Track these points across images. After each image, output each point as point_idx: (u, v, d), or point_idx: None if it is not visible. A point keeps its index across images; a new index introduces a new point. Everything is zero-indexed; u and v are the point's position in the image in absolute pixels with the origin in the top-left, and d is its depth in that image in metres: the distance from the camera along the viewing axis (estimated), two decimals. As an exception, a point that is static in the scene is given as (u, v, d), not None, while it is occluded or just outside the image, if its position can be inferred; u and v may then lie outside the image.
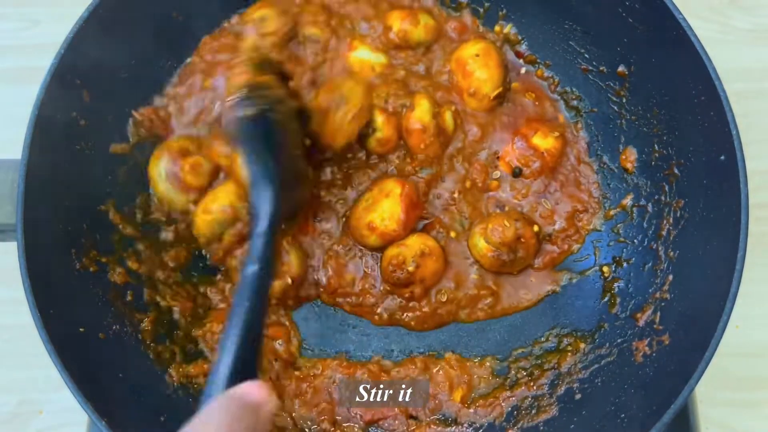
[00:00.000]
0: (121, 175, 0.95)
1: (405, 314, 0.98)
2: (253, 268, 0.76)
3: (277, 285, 0.94)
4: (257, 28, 0.96)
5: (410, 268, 0.93)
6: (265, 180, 0.83)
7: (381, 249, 0.97)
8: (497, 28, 1.04)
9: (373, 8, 1.02)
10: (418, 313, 0.97)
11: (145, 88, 0.97)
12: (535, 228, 0.97)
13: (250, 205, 0.85)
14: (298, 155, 0.90)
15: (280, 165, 0.85)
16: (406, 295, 0.96)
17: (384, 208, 0.95)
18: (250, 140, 0.84)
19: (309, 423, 0.94)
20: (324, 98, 0.93)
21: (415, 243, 0.95)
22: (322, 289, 0.98)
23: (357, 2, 1.02)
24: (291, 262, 0.95)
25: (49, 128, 0.83)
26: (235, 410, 0.61)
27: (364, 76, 0.98)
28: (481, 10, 1.04)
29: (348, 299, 0.98)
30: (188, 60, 1.00)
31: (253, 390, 0.64)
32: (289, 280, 0.94)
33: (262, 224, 0.80)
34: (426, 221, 0.99)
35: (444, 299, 0.97)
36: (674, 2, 0.84)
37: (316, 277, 0.98)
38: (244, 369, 0.69)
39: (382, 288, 0.97)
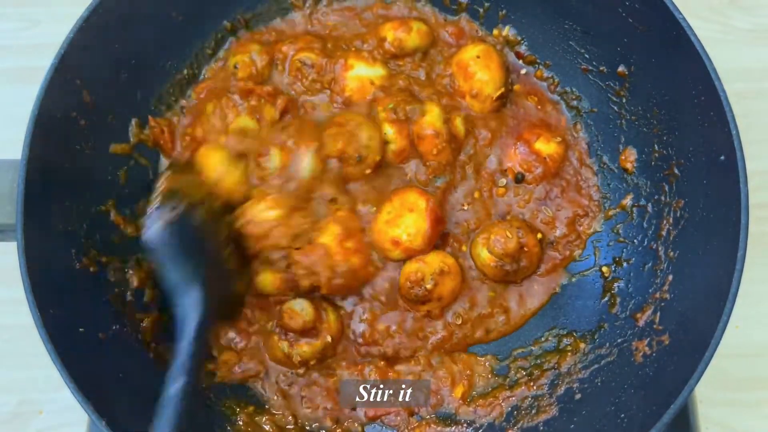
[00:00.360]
0: (122, 174, 0.95)
1: (424, 342, 0.97)
2: (177, 384, 0.74)
3: (318, 344, 0.92)
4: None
5: (428, 286, 0.92)
6: (187, 285, 0.81)
7: (402, 261, 0.96)
8: (496, 31, 1.05)
9: (366, 26, 1.04)
10: (435, 338, 0.97)
11: (145, 88, 0.98)
12: (538, 236, 0.97)
13: (175, 314, 0.82)
14: (228, 252, 0.88)
15: (205, 266, 0.83)
16: (423, 313, 0.96)
17: (409, 223, 0.93)
18: (167, 247, 0.82)
19: (311, 422, 0.94)
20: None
21: (435, 260, 0.94)
22: (359, 340, 0.97)
23: (347, 25, 1.04)
24: (329, 319, 0.94)
25: (49, 128, 0.83)
26: None
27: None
28: (481, 10, 1.04)
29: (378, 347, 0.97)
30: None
31: None
32: (329, 339, 0.93)
33: (188, 333, 0.78)
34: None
35: (459, 322, 0.97)
36: (674, 2, 0.84)
37: (352, 329, 0.97)
38: None
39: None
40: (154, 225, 0.82)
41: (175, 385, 0.74)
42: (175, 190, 0.85)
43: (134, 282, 0.93)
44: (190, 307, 0.80)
